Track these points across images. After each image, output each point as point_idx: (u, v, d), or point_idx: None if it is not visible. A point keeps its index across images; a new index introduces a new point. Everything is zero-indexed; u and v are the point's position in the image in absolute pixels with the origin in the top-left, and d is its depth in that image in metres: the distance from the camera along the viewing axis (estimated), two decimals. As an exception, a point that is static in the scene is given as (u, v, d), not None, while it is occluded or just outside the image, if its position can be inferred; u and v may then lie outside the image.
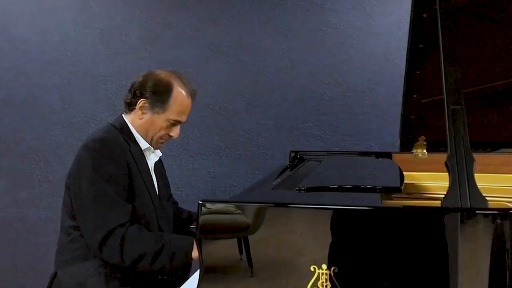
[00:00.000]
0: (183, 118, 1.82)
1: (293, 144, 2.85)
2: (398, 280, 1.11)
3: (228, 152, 2.94)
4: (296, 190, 1.40)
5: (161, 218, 1.79)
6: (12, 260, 3.12)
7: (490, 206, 1.16)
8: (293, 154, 2.31)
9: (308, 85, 2.85)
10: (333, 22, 2.81)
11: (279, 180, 1.68)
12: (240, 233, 1.20)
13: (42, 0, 3.00)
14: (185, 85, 1.81)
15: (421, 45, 1.65)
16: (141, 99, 1.76)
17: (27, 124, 3.05)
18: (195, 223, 1.27)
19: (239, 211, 1.20)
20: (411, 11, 1.56)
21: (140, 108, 1.77)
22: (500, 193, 1.74)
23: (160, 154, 1.91)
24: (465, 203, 1.14)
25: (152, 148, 1.84)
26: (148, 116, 1.78)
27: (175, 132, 1.83)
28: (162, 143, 1.86)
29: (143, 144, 1.80)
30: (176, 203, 2.15)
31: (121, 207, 1.64)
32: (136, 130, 1.80)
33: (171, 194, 2.05)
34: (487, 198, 1.16)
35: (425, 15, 1.55)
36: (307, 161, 2.15)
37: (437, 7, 1.33)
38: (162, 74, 1.80)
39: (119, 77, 2.95)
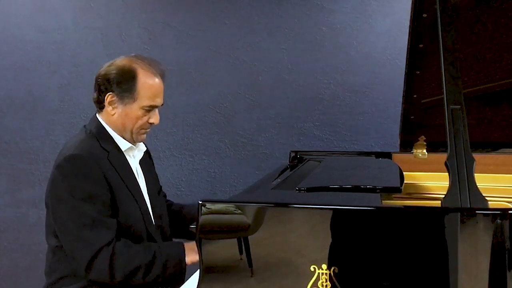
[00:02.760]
0: (157, 102, 1.68)
1: (293, 144, 2.85)
2: (398, 280, 1.11)
3: (228, 152, 2.94)
4: (296, 190, 1.40)
5: (149, 224, 1.71)
6: (12, 260, 3.12)
7: (490, 206, 1.17)
8: (293, 154, 2.31)
9: (308, 85, 2.85)
10: (333, 22, 2.81)
11: (279, 180, 1.68)
12: (240, 233, 1.20)
13: (42, 0, 3.00)
14: (150, 66, 1.68)
15: (421, 45, 1.65)
16: (108, 94, 1.65)
17: (27, 124, 3.05)
18: (195, 223, 1.26)
19: (239, 211, 1.20)
20: (411, 11, 1.56)
21: (109, 103, 1.66)
22: (500, 193, 1.74)
23: (144, 149, 1.82)
24: (465, 203, 1.14)
25: (135, 147, 1.75)
26: (120, 109, 1.66)
27: (154, 118, 1.70)
28: (144, 133, 1.74)
29: (124, 145, 1.70)
30: (165, 195, 2.06)
31: (105, 225, 1.56)
32: (113, 129, 1.69)
33: (161, 187, 1.96)
34: (487, 198, 1.16)
35: (425, 15, 1.55)
36: (307, 161, 2.15)
37: (437, 7, 1.33)
38: (124, 61, 1.67)
39: (119, 77, 2.95)
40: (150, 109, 1.68)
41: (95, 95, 1.71)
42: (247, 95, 2.91)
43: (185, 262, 1.60)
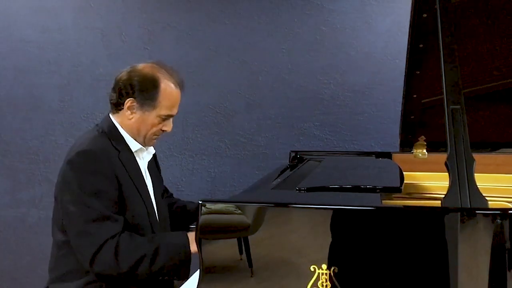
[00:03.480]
0: (174, 111, 1.73)
1: (293, 144, 2.85)
2: (398, 280, 1.11)
3: (228, 152, 2.94)
4: (296, 190, 1.40)
5: (155, 224, 1.74)
6: (12, 260, 3.12)
7: (490, 206, 1.17)
8: (293, 154, 2.31)
9: (308, 85, 2.85)
10: (333, 22, 2.81)
11: (279, 180, 1.68)
12: (240, 233, 1.20)
13: (42, 0, 3.00)
14: (172, 76, 1.72)
15: (421, 45, 1.65)
16: (129, 99, 1.67)
17: (27, 124, 3.06)
18: (195, 223, 1.27)
19: (239, 211, 1.20)
20: (411, 11, 1.56)
21: (129, 108, 1.68)
22: (500, 193, 1.74)
23: (153, 151, 1.85)
24: (465, 203, 1.14)
25: (145, 148, 1.78)
26: (138, 115, 1.69)
27: (168, 126, 1.75)
28: (155, 139, 1.78)
29: (134, 146, 1.73)
30: (171, 195, 2.11)
31: (111, 219, 1.58)
32: (126, 131, 1.72)
33: (165, 189, 1.97)
34: (487, 198, 1.16)
35: (425, 15, 1.55)
36: (307, 161, 2.15)
37: (437, 7, 1.33)
38: (146, 68, 1.70)
39: (119, 77, 2.95)
40: (166, 118, 1.72)
41: (113, 96, 1.72)
42: (247, 95, 2.91)
43: (190, 251, 1.60)
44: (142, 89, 1.67)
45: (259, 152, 2.92)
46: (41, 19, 3.00)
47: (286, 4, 2.84)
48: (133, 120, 1.70)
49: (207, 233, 1.22)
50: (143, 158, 1.80)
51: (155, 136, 1.76)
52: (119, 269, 1.55)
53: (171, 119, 1.76)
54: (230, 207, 1.21)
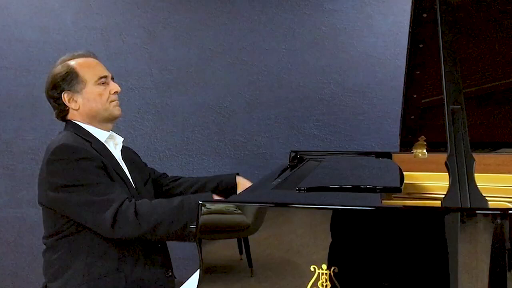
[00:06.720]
0: (104, 72, 1.80)
1: (293, 144, 2.85)
2: (398, 280, 1.11)
3: (228, 152, 2.94)
4: (296, 190, 1.40)
5: None
6: (12, 260, 3.12)
7: (490, 206, 1.17)
8: (293, 154, 2.31)
9: (308, 85, 2.85)
10: (333, 22, 2.81)
11: (279, 180, 1.68)
12: (240, 233, 1.20)
13: (42, 0, 3.00)
14: (74, 55, 1.80)
15: (421, 45, 1.65)
16: (62, 94, 1.74)
17: (27, 124, 3.06)
18: (195, 223, 1.27)
19: (239, 211, 1.20)
20: (411, 11, 1.56)
21: (69, 100, 1.75)
22: (500, 193, 1.74)
23: (122, 139, 1.88)
24: (465, 203, 1.14)
25: (114, 137, 1.83)
26: (80, 98, 1.75)
27: (114, 87, 1.80)
28: (117, 105, 1.81)
29: (102, 136, 1.77)
30: (164, 174, 2.11)
31: (118, 186, 1.63)
32: (88, 123, 1.77)
33: (148, 178, 1.97)
34: (487, 198, 1.16)
35: (425, 15, 1.55)
36: (307, 161, 2.15)
37: (437, 6, 1.33)
38: (53, 69, 1.78)
39: (119, 77, 2.94)
40: (103, 81, 1.77)
41: (55, 111, 1.79)
42: (247, 95, 2.91)
43: None
44: (63, 79, 1.74)
45: (259, 152, 2.92)
46: (41, 19, 3.00)
47: (286, 4, 2.84)
48: (81, 106, 1.76)
49: (207, 233, 1.22)
50: (116, 149, 1.84)
51: (113, 102, 1.80)
52: (141, 228, 1.56)
53: (110, 81, 1.81)
54: (230, 207, 1.21)
